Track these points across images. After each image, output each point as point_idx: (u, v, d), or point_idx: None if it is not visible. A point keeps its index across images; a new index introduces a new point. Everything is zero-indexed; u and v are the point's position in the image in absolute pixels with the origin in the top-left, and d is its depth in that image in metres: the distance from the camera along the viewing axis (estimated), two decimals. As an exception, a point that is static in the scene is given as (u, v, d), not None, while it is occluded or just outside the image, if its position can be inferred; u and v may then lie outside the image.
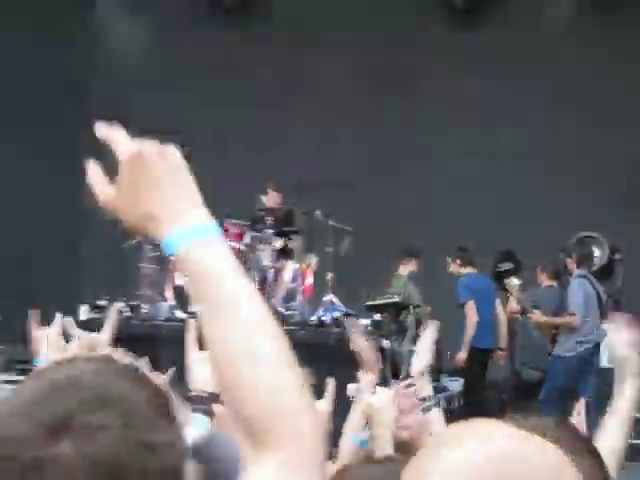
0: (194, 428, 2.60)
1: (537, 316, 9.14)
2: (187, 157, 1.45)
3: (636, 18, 11.29)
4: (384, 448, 3.75)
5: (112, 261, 11.24)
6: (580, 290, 8.91)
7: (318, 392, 3.31)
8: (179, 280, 9.36)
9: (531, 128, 11.63)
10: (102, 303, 10.07)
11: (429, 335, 4.21)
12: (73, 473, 1.21)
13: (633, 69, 11.28)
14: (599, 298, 8.92)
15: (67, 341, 3.93)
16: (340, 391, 4.06)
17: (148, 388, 1.31)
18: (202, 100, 12.48)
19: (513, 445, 1.13)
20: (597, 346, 8.78)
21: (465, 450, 1.11)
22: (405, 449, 3.70)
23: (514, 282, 9.34)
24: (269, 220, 9.76)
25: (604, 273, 10.15)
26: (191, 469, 1.64)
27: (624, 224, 10.55)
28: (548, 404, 8.59)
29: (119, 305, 6.48)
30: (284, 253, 9.95)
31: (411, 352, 5.31)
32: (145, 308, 9.77)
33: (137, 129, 1.43)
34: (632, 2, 11.59)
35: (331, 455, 3.44)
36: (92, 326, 8.80)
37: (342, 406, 3.92)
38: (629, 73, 11.32)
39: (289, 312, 10.17)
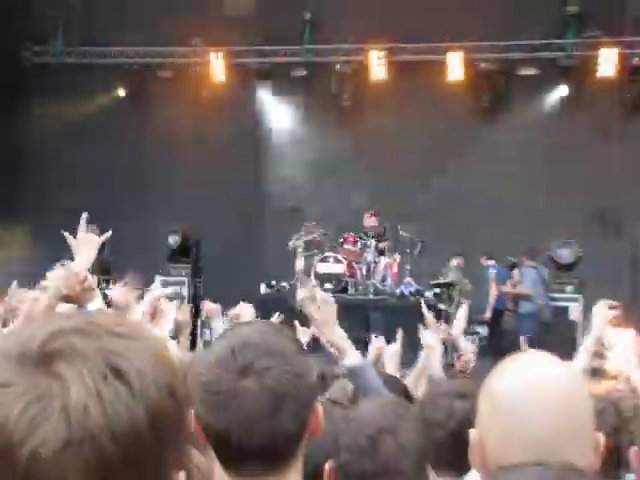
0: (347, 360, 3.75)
1: (507, 288, 14.83)
2: None
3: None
4: (436, 369, 5.64)
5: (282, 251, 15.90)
6: (530, 274, 14.46)
7: (395, 337, 6.07)
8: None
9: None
10: (273, 283, 15.06)
11: (464, 310, 6.82)
12: (257, 398, 1.92)
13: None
14: (543, 280, 14.26)
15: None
16: (412, 335, 6.29)
17: (293, 340, 2.09)
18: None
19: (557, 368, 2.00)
20: (542, 308, 14.32)
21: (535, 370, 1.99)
22: (455, 373, 6.30)
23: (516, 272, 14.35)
24: (371, 233, 14.78)
25: (567, 267, 15.36)
26: (348, 385, 3.87)
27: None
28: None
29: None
30: (380, 253, 14.98)
31: (456, 313, 8.88)
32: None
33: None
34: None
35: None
36: (268, 299, 14.26)
37: (411, 344, 6.48)
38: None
39: (383, 288, 15.05)
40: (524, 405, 1.91)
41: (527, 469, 1.65)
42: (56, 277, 3.87)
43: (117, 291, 5.46)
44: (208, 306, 6.59)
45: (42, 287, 4.28)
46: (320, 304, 3.93)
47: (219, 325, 5.90)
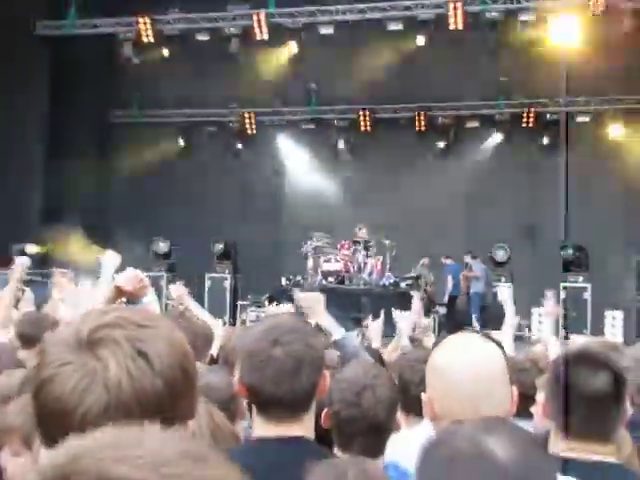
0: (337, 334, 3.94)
1: (465, 273, 17.41)
2: None
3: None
4: (405, 342, 6.09)
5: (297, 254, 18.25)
6: (479, 266, 17.21)
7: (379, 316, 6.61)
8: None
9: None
10: (291, 277, 17.50)
11: (416, 298, 7.61)
12: (283, 362, 2.24)
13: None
14: (487, 272, 17.13)
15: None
16: (391, 315, 7.01)
17: (308, 323, 2.67)
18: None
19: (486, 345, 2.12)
20: (487, 292, 16.95)
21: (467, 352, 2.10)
22: (419, 344, 6.40)
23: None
24: (361, 241, 17.43)
25: (501, 264, 17.96)
26: (335, 354, 3.93)
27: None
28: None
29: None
30: (367, 255, 17.49)
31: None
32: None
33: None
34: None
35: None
36: (286, 289, 17.51)
37: (390, 321, 7.06)
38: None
39: (370, 280, 17.40)
40: (457, 372, 2.05)
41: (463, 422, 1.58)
42: (123, 278, 3.77)
43: (174, 287, 6.05)
44: (177, 290, 5.97)
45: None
46: (302, 302, 4.22)
47: (151, 302, 4.71)
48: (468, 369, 2.07)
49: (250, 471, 1.10)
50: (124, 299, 3.77)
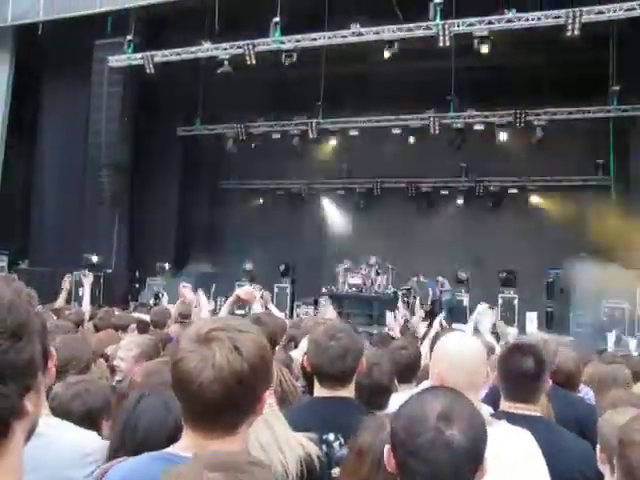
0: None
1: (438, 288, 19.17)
2: None
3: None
4: (396, 333, 6.51)
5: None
6: (446, 283, 19.24)
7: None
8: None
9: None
10: (328, 286, 20.27)
11: (401, 306, 9.76)
12: (336, 349, 2.28)
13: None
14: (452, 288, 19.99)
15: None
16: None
17: (351, 326, 3.03)
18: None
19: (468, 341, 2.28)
20: (453, 300, 19.16)
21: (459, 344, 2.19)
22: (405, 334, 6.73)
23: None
24: (373, 265, 20.02)
25: (462, 281, 19.82)
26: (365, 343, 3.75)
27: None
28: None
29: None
30: (377, 274, 19.34)
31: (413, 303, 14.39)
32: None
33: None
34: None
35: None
36: (324, 294, 20.86)
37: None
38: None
39: (378, 290, 19.01)
40: (455, 354, 2.17)
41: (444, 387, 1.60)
42: (241, 290, 3.51)
43: (244, 289, 4.98)
44: (245, 291, 4.50)
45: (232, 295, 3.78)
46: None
47: (257, 307, 4.65)
48: (462, 354, 2.19)
49: (316, 416, 1.18)
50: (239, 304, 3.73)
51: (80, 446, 2.17)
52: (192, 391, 1.37)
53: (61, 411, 2.38)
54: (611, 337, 12.47)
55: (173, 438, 1.55)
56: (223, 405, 1.37)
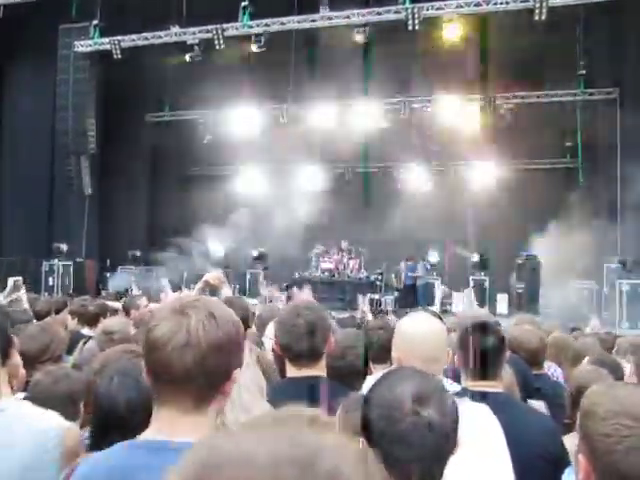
0: None
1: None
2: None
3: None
4: (369, 316, 6.45)
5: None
6: (422, 266, 18.43)
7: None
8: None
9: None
10: (300, 272, 20.27)
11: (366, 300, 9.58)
12: (304, 326, 2.29)
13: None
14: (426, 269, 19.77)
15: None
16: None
17: (318, 303, 2.58)
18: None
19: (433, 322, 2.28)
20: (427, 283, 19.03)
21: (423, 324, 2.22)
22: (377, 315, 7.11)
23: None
24: (345, 250, 19.97)
25: (434, 265, 19.99)
26: (333, 323, 4.17)
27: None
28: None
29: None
30: (349, 259, 19.13)
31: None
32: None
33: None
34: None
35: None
36: (298, 279, 20.00)
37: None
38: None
39: (350, 275, 18.95)
40: (415, 336, 2.13)
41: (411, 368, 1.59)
42: (210, 275, 3.52)
43: (212, 274, 4.43)
44: (213, 277, 4.11)
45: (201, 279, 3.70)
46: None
47: (227, 292, 4.18)
48: (424, 335, 2.17)
49: (289, 397, 1.02)
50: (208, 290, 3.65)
51: (43, 429, 2.07)
52: (163, 356, 1.35)
53: (44, 396, 2.42)
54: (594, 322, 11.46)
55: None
56: (194, 373, 1.34)
